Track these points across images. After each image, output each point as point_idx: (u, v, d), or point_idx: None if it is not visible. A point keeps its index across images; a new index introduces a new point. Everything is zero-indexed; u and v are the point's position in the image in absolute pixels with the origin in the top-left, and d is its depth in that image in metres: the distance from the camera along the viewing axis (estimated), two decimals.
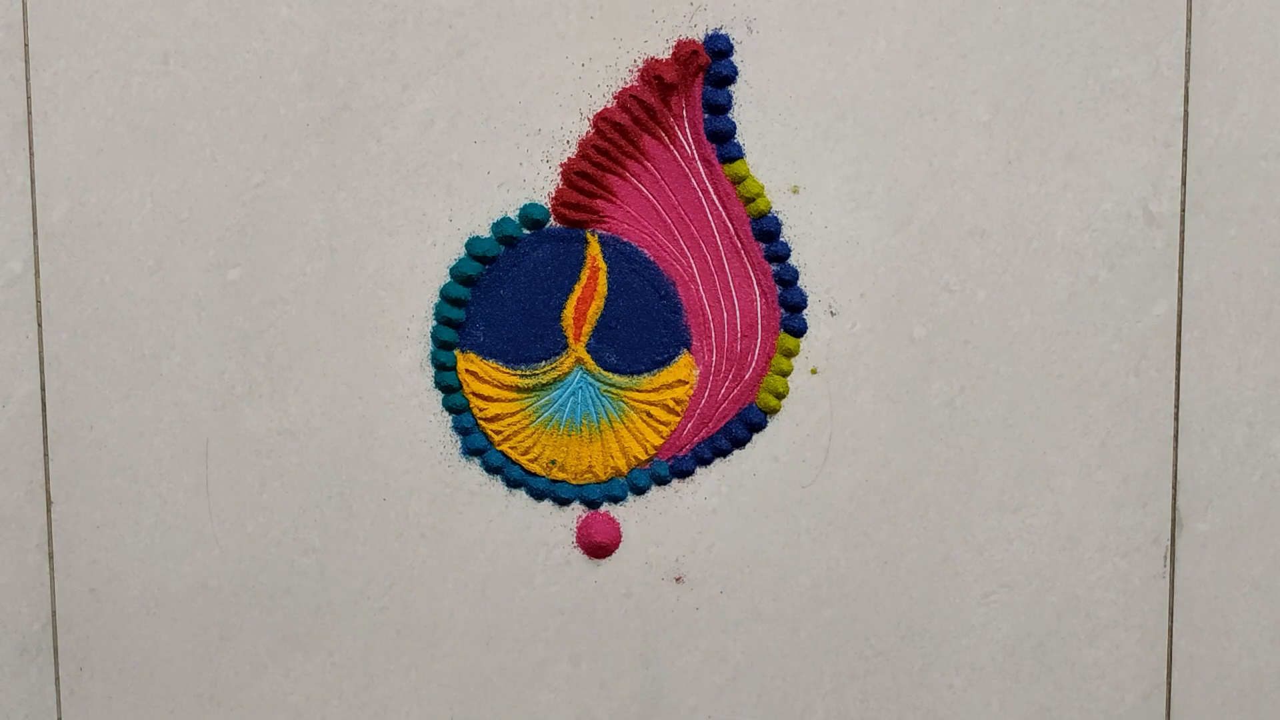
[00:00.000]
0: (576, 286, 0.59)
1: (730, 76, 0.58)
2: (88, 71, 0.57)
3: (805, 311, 0.59)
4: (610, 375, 0.59)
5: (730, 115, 0.58)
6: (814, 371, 0.60)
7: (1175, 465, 0.61)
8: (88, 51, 0.57)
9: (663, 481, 0.60)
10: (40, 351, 0.59)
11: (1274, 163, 0.60)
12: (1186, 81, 0.59)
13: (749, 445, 0.60)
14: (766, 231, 0.59)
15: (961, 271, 0.60)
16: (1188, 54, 0.59)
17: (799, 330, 0.59)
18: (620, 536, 0.60)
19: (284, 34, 0.57)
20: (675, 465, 0.60)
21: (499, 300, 0.59)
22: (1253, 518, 0.61)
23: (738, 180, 0.58)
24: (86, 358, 0.59)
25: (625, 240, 0.59)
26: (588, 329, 0.59)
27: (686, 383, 0.60)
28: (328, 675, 0.61)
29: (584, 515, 0.60)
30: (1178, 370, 0.61)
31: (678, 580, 0.61)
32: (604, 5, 0.57)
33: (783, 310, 0.59)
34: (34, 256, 0.58)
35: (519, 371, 0.59)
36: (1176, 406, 0.61)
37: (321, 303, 0.59)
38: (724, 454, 0.60)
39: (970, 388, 0.60)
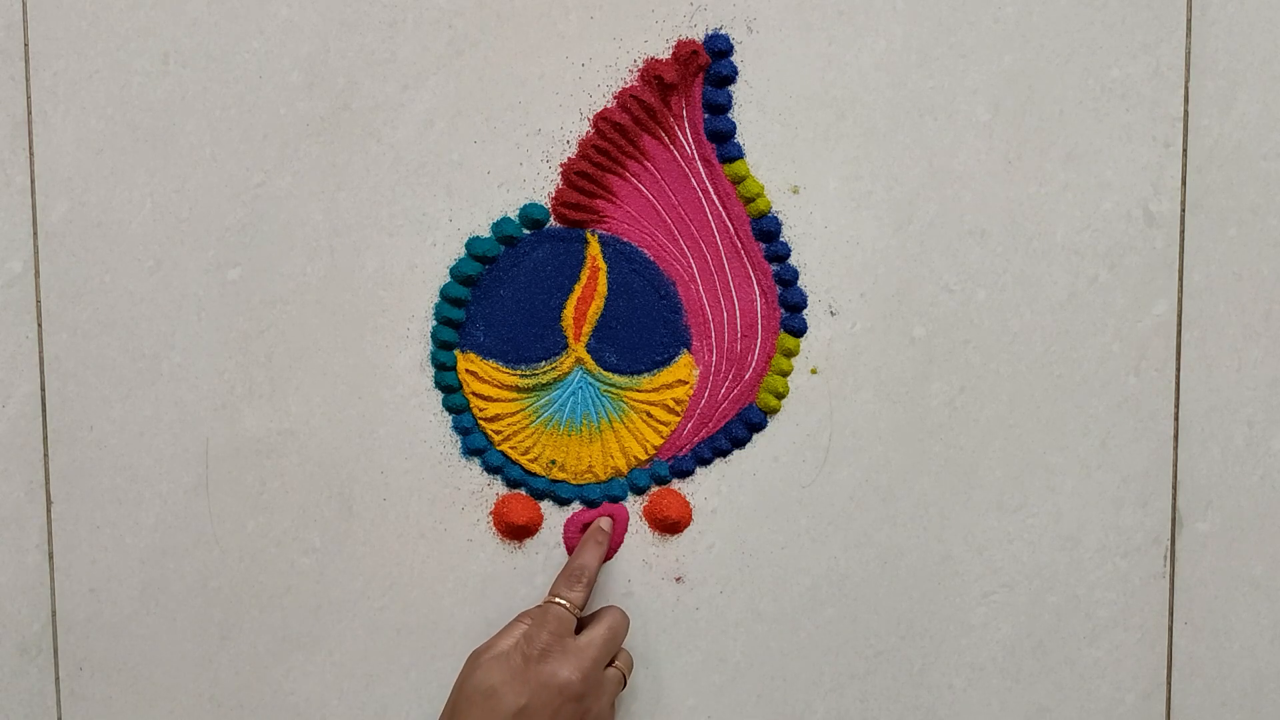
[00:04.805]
0: (576, 286, 0.59)
1: (730, 76, 0.58)
2: (88, 71, 0.57)
3: (805, 311, 0.59)
4: (610, 375, 0.59)
5: (730, 115, 0.58)
6: (814, 371, 0.60)
7: (1175, 465, 0.61)
8: (88, 51, 0.57)
9: (663, 481, 0.60)
10: (40, 351, 0.59)
11: (1274, 163, 0.60)
12: (1186, 81, 0.59)
13: (749, 445, 0.60)
14: (766, 231, 0.59)
15: (961, 271, 0.60)
16: (1188, 54, 0.59)
17: (799, 330, 0.59)
18: (625, 527, 0.60)
19: (284, 34, 0.57)
20: (675, 465, 0.60)
21: (499, 300, 0.59)
22: (1253, 518, 0.61)
23: (738, 180, 0.58)
24: (86, 358, 0.59)
25: (625, 240, 0.59)
26: (588, 329, 0.59)
27: (686, 383, 0.60)
28: (328, 675, 0.61)
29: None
30: (1178, 370, 0.61)
31: (678, 580, 0.61)
32: (604, 5, 0.57)
33: (783, 310, 0.59)
34: (34, 256, 0.58)
35: (519, 371, 0.59)
36: (1176, 406, 0.61)
37: (321, 303, 0.59)
38: (724, 454, 0.60)
39: (970, 388, 0.60)
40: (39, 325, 0.59)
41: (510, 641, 0.54)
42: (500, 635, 0.55)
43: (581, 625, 0.56)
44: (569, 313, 0.59)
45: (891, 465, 0.60)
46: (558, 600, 0.55)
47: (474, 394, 0.59)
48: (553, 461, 0.60)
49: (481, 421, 0.59)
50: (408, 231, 0.58)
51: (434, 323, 0.59)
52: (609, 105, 0.58)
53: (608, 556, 0.60)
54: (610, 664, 0.56)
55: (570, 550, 0.60)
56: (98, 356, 0.59)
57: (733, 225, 0.59)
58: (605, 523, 0.59)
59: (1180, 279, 0.60)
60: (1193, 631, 0.62)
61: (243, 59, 0.57)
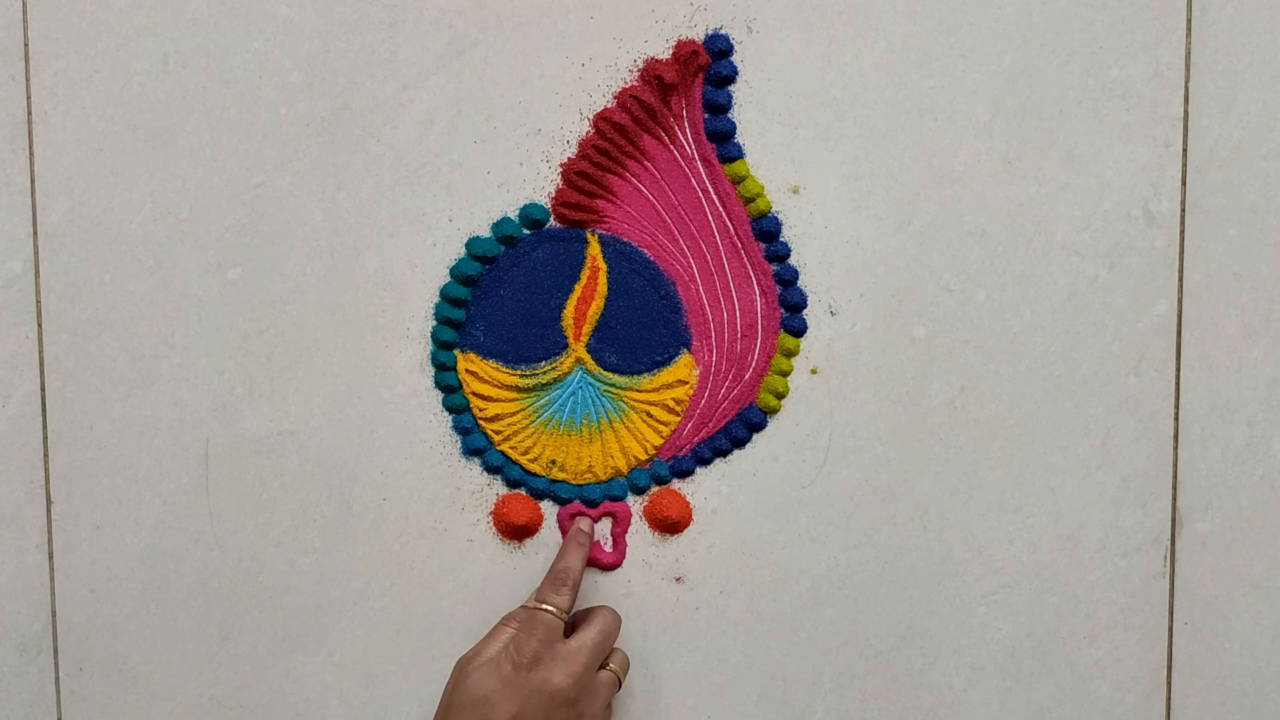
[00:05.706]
0: (576, 286, 0.59)
1: (730, 76, 0.58)
2: (88, 71, 0.57)
3: (805, 311, 0.59)
4: (610, 375, 0.59)
5: (730, 115, 0.58)
6: (814, 371, 0.60)
7: (1175, 465, 0.61)
8: (88, 51, 0.57)
9: (663, 481, 0.60)
10: (40, 351, 0.59)
11: (1274, 163, 0.60)
12: (1186, 81, 0.59)
13: (749, 445, 0.60)
14: (766, 231, 0.59)
15: (961, 271, 0.60)
16: (1188, 54, 0.59)
17: (799, 330, 0.59)
18: (627, 526, 0.60)
19: (284, 34, 0.57)
20: (675, 465, 0.60)
21: (499, 300, 0.59)
22: (1253, 518, 0.61)
23: (738, 180, 0.58)
24: (86, 358, 0.59)
25: (625, 240, 0.59)
26: (588, 329, 0.59)
27: (686, 383, 0.60)
28: (328, 675, 0.61)
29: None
30: (1178, 370, 0.61)
31: (678, 580, 0.61)
32: (604, 5, 0.57)
33: (783, 310, 0.59)
34: (34, 256, 0.58)
35: (519, 371, 0.59)
36: (1176, 406, 0.61)
37: (321, 303, 0.59)
38: (724, 454, 0.60)
39: (970, 388, 0.60)
40: (39, 325, 0.59)
41: (498, 647, 0.54)
42: (486, 641, 0.55)
43: (573, 625, 0.56)
44: (569, 313, 0.59)
45: (891, 465, 0.60)
46: (544, 606, 0.55)
47: (474, 394, 0.59)
48: (553, 461, 0.60)
49: (481, 421, 0.59)
50: (408, 231, 0.58)
51: (434, 323, 0.59)
52: (609, 105, 0.58)
53: (615, 566, 0.60)
54: (604, 666, 0.56)
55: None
56: (98, 356, 0.59)
57: (733, 225, 0.59)
58: (585, 523, 0.59)
59: (1180, 279, 0.60)
60: (1193, 631, 0.62)
61: (243, 59, 0.57)
